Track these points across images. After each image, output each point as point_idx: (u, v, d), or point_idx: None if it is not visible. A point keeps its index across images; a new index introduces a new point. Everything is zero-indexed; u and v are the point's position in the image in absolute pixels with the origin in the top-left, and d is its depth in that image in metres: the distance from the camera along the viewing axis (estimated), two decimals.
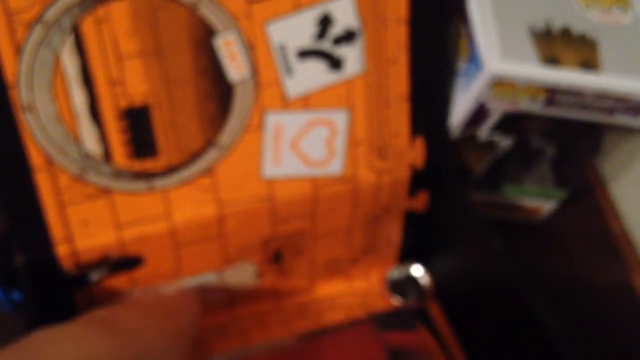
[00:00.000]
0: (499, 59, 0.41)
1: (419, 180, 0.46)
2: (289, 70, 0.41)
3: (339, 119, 0.43)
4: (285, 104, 0.41)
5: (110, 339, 0.33)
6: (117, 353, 0.32)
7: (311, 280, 0.50)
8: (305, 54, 0.41)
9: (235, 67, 0.40)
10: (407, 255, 0.52)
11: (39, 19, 0.36)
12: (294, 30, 0.40)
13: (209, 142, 0.41)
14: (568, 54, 0.42)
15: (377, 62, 0.42)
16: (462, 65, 0.44)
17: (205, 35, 0.39)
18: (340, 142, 0.43)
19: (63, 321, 0.41)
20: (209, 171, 0.41)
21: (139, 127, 0.39)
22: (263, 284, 0.48)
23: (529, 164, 0.52)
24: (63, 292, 0.42)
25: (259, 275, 0.47)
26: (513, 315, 0.41)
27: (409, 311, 0.49)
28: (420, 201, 0.48)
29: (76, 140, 0.38)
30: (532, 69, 0.41)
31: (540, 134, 0.49)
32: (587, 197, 0.60)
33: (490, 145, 0.48)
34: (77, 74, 0.37)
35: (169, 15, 0.38)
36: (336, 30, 0.41)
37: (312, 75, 0.41)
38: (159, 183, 0.41)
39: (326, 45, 0.41)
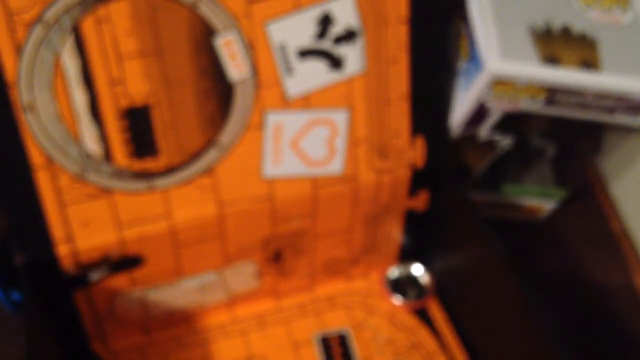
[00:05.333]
0: (499, 59, 0.41)
1: (419, 179, 0.46)
2: (289, 70, 0.41)
3: (339, 118, 0.43)
4: (286, 103, 0.41)
5: None
6: None
7: (311, 279, 0.50)
8: (305, 53, 0.41)
9: (235, 66, 0.40)
10: (407, 255, 0.52)
11: (39, 19, 0.36)
12: (295, 30, 0.40)
13: (209, 142, 0.41)
14: (568, 54, 0.42)
15: (377, 62, 0.42)
16: (462, 64, 0.44)
17: (205, 35, 0.39)
18: (340, 142, 0.43)
19: (63, 321, 0.41)
20: (209, 171, 0.41)
21: (139, 126, 0.39)
22: (263, 284, 0.48)
23: (529, 163, 0.52)
24: (63, 292, 0.42)
25: (259, 275, 0.47)
26: (512, 314, 0.41)
27: None
28: (421, 200, 0.48)
29: (76, 140, 0.38)
30: (532, 69, 0.41)
31: (540, 134, 0.49)
32: (587, 196, 0.60)
33: (490, 144, 0.48)
34: (78, 74, 0.37)
35: (169, 15, 0.38)
36: (336, 29, 0.41)
37: (312, 75, 0.41)
38: (159, 183, 0.40)
39: (326, 44, 0.41)
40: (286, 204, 0.43)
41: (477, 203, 0.54)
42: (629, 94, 0.42)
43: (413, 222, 0.49)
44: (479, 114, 0.44)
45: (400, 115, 0.44)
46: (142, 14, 0.37)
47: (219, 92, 0.40)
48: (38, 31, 0.36)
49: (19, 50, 0.36)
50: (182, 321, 0.48)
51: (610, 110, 0.43)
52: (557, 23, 0.44)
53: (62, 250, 0.39)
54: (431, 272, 0.51)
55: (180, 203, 0.41)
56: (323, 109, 0.42)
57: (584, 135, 0.49)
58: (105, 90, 0.38)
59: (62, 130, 0.38)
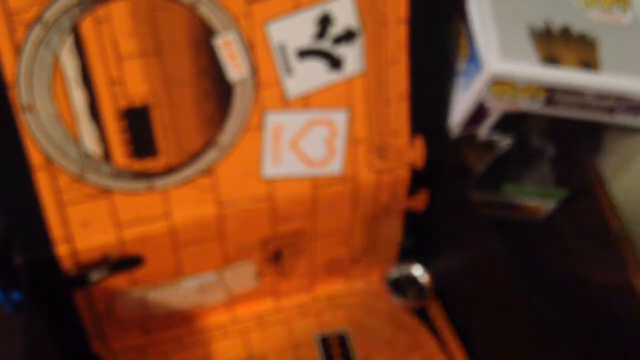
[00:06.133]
0: (499, 59, 0.41)
1: (418, 179, 0.46)
2: (288, 70, 0.41)
3: (339, 118, 0.43)
4: (285, 103, 0.41)
5: None
6: None
7: (311, 279, 0.50)
8: (305, 53, 0.41)
9: (235, 67, 0.40)
10: (407, 255, 0.52)
11: (38, 19, 0.36)
12: (294, 30, 0.40)
13: (209, 142, 0.41)
14: (568, 54, 0.42)
15: (376, 62, 0.42)
16: (461, 64, 0.44)
17: (205, 35, 0.39)
18: (340, 142, 0.43)
19: (62, 321, 0.41)
20: (208, 171, 0.41)
21: (138, 127, 0.39)
22: (263, 284, 0.48)
23: (528, 163, 0.52)
24: (63, 292, 0.42)
25: (259, 275, 0.47)
26: (513, 314, 0.41)
27: None
28: (420, 201, 0.48)
29: (76, 140, 0.38)
30: (531, 69, 0.41)
31: (540, 134, 0.49)
32: (586, 196, 0.60)
33: (490, 144, 0.48)
34: (77, 74, 0.37)
35: (168, 15, 0.38)
36: (336, 29, 0.41)
37: (311, 75, 0.41)
38: (159, 183, 0.41)
39: (326, 44, 0.41)
40: (286, 204, 0.43)
41: (477, 203, 0.54)
42: (628, 94, 0.42)
43: (413, 222, 0.49)
44: (479, 113, 0.44)
45: (399, 115, 0.44)
46: (142, 14, 0.37)
47: (219, 92, 0.40)
48: (37, 31, 0.36)
49: (18, 50, 0.36)
50: (182, 321, 0.48)
51: (610, 110, 0.43)
52: (557, 23, 0.43)
53: (62, 250, 0.39)
54: (431, 272, 0.51)
55: (180, 203, 0.41)
56: (322, 109, 0.42)
57: (583, 135, 0.49)
58: (105, 91, 0.38)
59: (61, 131, 0.38)
